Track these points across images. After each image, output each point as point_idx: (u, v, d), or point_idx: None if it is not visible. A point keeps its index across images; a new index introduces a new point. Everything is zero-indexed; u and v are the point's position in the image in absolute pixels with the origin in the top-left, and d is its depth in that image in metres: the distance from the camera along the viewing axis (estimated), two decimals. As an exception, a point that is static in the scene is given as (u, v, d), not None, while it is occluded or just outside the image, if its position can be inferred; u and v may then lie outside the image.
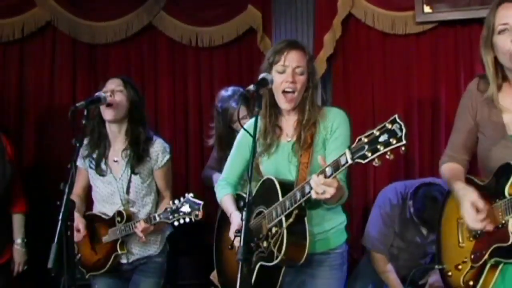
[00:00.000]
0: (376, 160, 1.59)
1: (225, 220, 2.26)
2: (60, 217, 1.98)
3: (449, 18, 3.37)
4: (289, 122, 2.14)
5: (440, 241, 2.06)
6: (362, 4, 3.51)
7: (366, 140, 1.61)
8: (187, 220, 2.41)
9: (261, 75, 1.98)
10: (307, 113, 2.08)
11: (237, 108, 2.93)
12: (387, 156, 1.58)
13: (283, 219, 1.94)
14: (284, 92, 2.06)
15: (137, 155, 2.56)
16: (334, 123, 2.07)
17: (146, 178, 2.60)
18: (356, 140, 1.64)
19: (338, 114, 2.11)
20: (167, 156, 2.62)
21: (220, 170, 2.60)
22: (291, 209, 1.91)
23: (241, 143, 2.25)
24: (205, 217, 2.44)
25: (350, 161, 1.66)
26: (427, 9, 3.38)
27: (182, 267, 3.47)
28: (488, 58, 1.89)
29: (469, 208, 1.80)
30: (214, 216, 2.46)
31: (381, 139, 1.57)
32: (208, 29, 3.75)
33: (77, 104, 2.22)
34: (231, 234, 2.09)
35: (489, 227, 1.79)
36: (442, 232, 2.06)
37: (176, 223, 2.43)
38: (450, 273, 1.96)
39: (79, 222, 2.55)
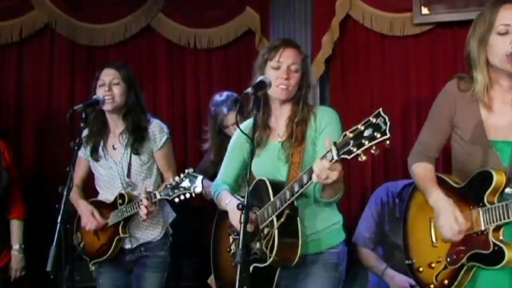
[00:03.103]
0: (362, 155, 1.58)
1: (222, 222, 2.26)
2: (59, 220, 2.00)
3: (447, 19, 3.36)
4: (280, 122, 2.14)
5: (407, 236, 2.05)
6: (360, 5, 3.51)
7: (351, 135, 1.60)
8: (187, 195, 2.40)
9: (259, 78, 1.97)
10: (300, 112, 2.08)
11: (226, 114, 3.00)
12: (372, 151, 1.57)
13: (274, 219, 1.94)
14: (277, 87, 2.06)
15: (139, 137, 2.58)
16: (323, 121, 2.06)
17: (146, 160, 2.60)
18: (342, 136, 1.64)
19: (326, 112, 2.11)
20: (165, 136, 2.63)
21: (212, 175, 2.62)
22: (281, 208, 1.91)
23: (236, 144, 2.26)
24: (203, 218, 2.42)
25: (335, 157, 1.65)
26: (424, 10, 3.38)
27: (183, 269, 3.47)
28: (481, 57, 1.85)
29: (453, 223, 1.80)
30: (212, 218, 2.45)
31: (366, 133, 1.56)
32: (207, 30, 3.75)
33: (75, 107, 2.25)
34: (231, 220, 2.07)
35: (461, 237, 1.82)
36: (409, 227, 2.06)
37: (177, 200, 2.42)
38: (421, 269, 1.96)
39: (92, 210, 2.58)
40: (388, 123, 1.53)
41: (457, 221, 1.81)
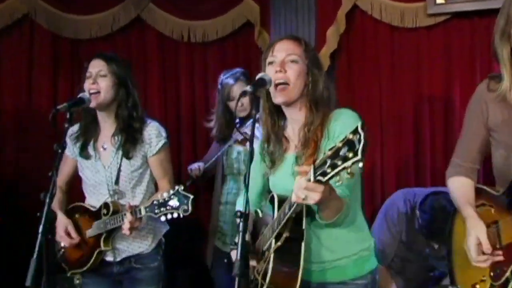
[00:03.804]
0: (338, 177, 1.47)
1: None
2: (40, 230, 1.98)
3: (464, 9, 3.34)
4: (296, 131, 2.01)
5: (452, 260, 2.05)
6: (368, -6, 3.53)
7: (329, 153, 1.49)
8: (175, 215, 2.37)
9: (259, 75, 1.93)
10: (309, 114, 1.95)
11: (233, 84, 3.13)
12: (347, 175, 1.45)
13: (273, 242, 1.86)
14: (276, 85, 1.94)
15: (130, 138, 2.54)
16: (337, 126, 1.90)
17: (138, 166, 2.58)
18: (323, 153, 1.53)
19: (342, 115, 1.93)
20: (162, 141, 2.58)
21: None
22: (276, 230, 1.83)
23: (257, 156, 2.11)
24: (197, 226, 2.41)
25: (312, 178, 1.54)
26: (439, -1, 3.38)
27: (178, 281, 3.48)
28: (504, 51, 1.88)
29: (474, 245, 1.83)
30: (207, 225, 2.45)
31: (342, 152, 1.45)
32: (202, 23, 3.76)
33: (59, 107, 2.23)
34: None
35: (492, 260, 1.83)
36: (453, 250, 2.05)
37: (163, 218, 2.39)
38: None
39: (67, 224, 2.55)
40: (362, 142, 1.39)
41: (476, 248, 1.84)
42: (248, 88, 1.86)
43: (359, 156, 1.40)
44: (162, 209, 2.38)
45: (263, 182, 2.13)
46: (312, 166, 1.56)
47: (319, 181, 1.55)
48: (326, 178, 1.51)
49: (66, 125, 2.20)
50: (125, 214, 2.44)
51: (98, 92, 2.50)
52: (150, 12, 3.82)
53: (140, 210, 2.43)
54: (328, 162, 1.50)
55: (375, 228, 3.05)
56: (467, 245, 1.89)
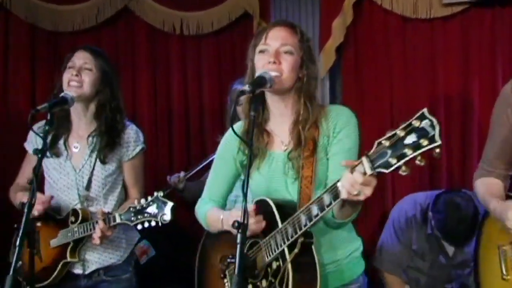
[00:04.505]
0: (404, 167, 1.53)
1: (211, 243, 2.23)
2: (18, 242, 1.96)
3: (484, -3, 3.34)
4: (283, 126, 2.06)
5: (479, 272, 2.07)
6: (377, -17, 3.53)
7: (388, 143, 1.55)
8: (153, 223, 2.35)
9: (258, 73, 1.95)
10: (303, 110, 2.00)
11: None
12: (417, 162, 1.51)
13: (286, 250, 1.89)
14: None
15: (111, 141, 2.54)
16: (338, 124, 1.99)
17: (112, 171, 2.58)
18: (375, 145, 1.59)
19: (340, 112, 2.03)
20: (140, 146, 2.61)
21: None
22: (295, 236, 1.86)
23: (225, 153, 2.19)
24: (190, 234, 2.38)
25: (369, 171, 1.60)
26: (456, -14, 3.36)
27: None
28: None
29: None
30: (199, 233, 2.43)
31: (408, 140, 1.51)
32: (195, 14, 3.76)
33: (39, 107, 2.21)
34: (228, 227, 1.97)
35: None
36: (480, 261, 2.08)
37: (139, 227, 2.38)
38: None
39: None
40: (437, 127, 1.47)
41: None
42: (246, 87, 1.87)
43: (438, 141, 1.46)
44: (139, 216, 2.37)
45: (232, 183, 2.20)
46: (365, 159, 1.61)
47: (375, 174, 1.60)
48: (391, 169, 1.55)
49: (47, 128, 2.17)
50: (96, 222, 2.42)
51: (80, 85, 2.50)
52: (139, 2, 3.81)
53: (114, 217, 2.42)
54: (389, 152, 1.54)
55: (383, 236, 3.06)
56: (508, 226, 1.89)
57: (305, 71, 2.01)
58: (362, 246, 2.12)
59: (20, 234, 1.98)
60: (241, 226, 1.73)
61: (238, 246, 1.71)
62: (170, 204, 2.34)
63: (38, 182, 2.08)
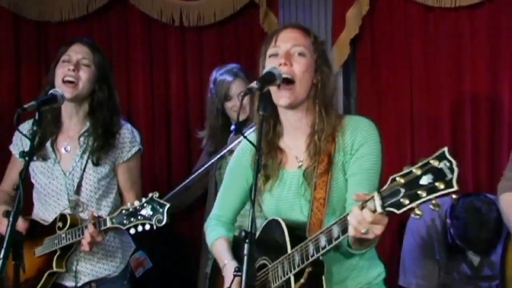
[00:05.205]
0: (416, 210, 1.52)
1: (218, 273, 2.22)
2: (2, 254, 1.98)
3: (517, -19, 3.31)
4: (298, 141, 2.04)
5: (505, 280, 2.11)
6: (396, -31, 3.53)
7: (402, 181, 1.54)
8: (147, 227, 2.35)
9: (267, 69, 1.95)
10: (318, 120, 1.98)
11: (232, 81, 3.17)
12: (431, 206, 1.51)
13: (292, 279, 1.88)
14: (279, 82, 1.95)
15: (106, 144, 2.56)
16: (357, 139, 1.96)
17: (105, 174, 2.59)
18: (389, 181, 1.58)
19: (362, 125, 2.00)
20: (136, 147, 2.64)
21: None
22: (301, 266, 1.85)
23: (236, 169, 2.19)
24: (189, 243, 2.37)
25: (379, 209, 1.60)
26: (486, -29, 3.34)
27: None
28: None
29: None
30: (198, 244, 2.43)
31: (424, 181, 1.50)
32: (196, 3, 3.77)
33: (26, 106, 2.20)
34: (226, 276, 2.02)
35: None
36: (507, 269, 2.09)
37: (132, 230, 2.38)
38: None
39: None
40: (456, 171, 1.45)
41: None
42: (254, 84, 1.85)
43: (455, 187, 1.45)
44: (132, 219, 2.37)
45: (244, 200, 2.20)
46: (377, 195, 1.60)
47: (385, 213, 1.60)
48: (402, 210, 1.55)
49: (35, 128, 2.17)
50: (86, 227, 2.42)
51: (77, 82, 2.50)
52: (134, -10, 3.83)
53: (105, 221, 2.42)
54: (403, 191, 1.54)
55: (405, 250, 3.05)
56: None
57: (320, 76, 2.00)
58: (384, 274, 2.10)
59: (4, 245, 1.99)
60: (248, 235, 1.74)
61: (245, 258, 1.73)
62: (166, 205, 2.34)
63: (24, 187, 2.07)
